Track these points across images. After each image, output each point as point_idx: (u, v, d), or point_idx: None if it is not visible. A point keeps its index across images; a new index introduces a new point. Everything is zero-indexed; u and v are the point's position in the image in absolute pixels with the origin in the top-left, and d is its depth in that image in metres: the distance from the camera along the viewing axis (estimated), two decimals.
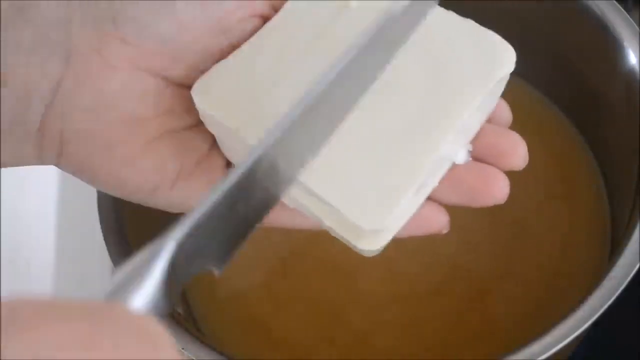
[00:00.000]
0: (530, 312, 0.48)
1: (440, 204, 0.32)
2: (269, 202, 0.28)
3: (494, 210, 0.50)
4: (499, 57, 0.31)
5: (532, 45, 0.52)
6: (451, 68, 0.31)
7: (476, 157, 0.32)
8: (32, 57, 0.30)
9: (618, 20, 0.46)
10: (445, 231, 0.32)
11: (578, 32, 0.48)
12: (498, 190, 0.31)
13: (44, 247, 0.56)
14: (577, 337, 0.39)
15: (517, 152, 0.32)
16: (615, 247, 0.45)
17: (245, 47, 0.32)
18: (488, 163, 0.32)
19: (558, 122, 0.53)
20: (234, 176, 0.26)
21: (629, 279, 0.39)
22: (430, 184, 0.31)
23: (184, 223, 0.25)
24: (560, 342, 0.38)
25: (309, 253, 0.51)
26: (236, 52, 0.32)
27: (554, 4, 0.49)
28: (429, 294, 0.49)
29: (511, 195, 0.50)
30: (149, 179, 0.32)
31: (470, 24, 0.32)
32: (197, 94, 0.31)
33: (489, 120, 0.33)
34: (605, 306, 0.39)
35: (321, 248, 0.51)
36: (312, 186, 0.30)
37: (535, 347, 0.38)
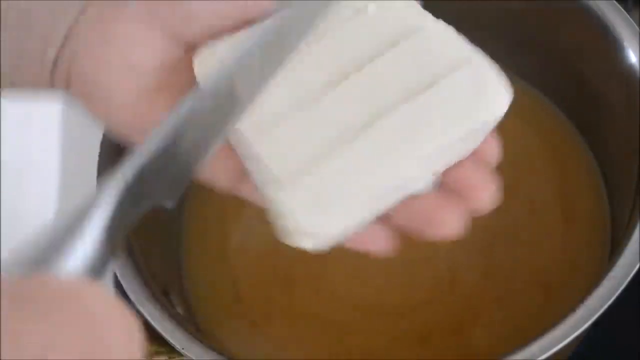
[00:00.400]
0: (530, 313, 0.48)
1: (391, 225, 0.31)
2: (211, 139, 0.29)
3: (494, 210, 0.50)
4: (491, 100, 0.30)
5: (533, 46, 0.52)
6: (438, 96, 0.30)
7: (445, 187, 0.31)
8: (55, 5, 0.32)
9: (618, 20, 0.46)
10: (387, 255, 0.31)
11: (578, 32, 0.48)
12: (448, 228, 0.30)
13: None
14: (577, 337, 0.39)
15: (485, 189, 0.30)
16: (615, 247, 0.45)
17: (256, 26, 0.32)
18: (455, 196, 0.30)
19: (558, 122, 0.53)
20: (173, 117, 0.27)
21: (629, 279, 0.39)
22: (385, 205, 0.30)
23: (130, 163, 0.25)
24: (560, 342, 0.38)
25: (309, 253, 0.51)
26: (246, 30, 0.32)
27: (554, 4, 0.49)
28: (429, 294, 0.49)
29: (511, 196, 0.50)
30: (143, 123, 0.32)
31: (476, 55, 0.31)
32: (198, 60, 0.32)
33: (474, 154, 0.31)
34: (605, 306, 0.39)
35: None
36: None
37: (535, 347, 0.38)
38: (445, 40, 0.31)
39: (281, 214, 0.30)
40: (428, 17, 0.32)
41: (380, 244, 0.31)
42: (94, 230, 0.23)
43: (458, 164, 0.31)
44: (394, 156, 0.30)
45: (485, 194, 0.30)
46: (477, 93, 0.30)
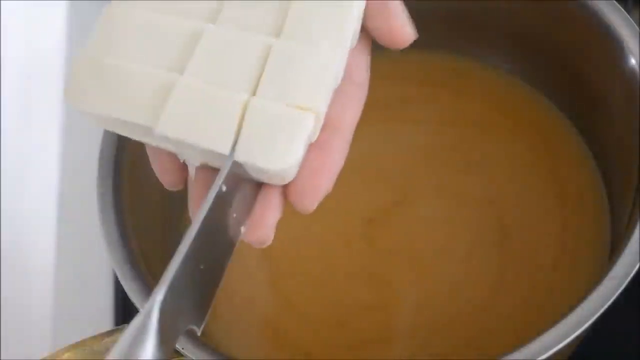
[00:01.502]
0: (531, 312, 0.48)
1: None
2: (225, 252, 0.30)
3: (493, 210, 0.50)
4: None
5: (532, 46, 0.52)
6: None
7: None
8: None
9: (618, 20, 0.46)
10: None
11: (578, 32, 0.48)
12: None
13: (44, 247, 0.56)
14: (577, 337, 0.39)
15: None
16: (615, 247, 0.45)
17: (95, 36, 0.33)
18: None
19: (558, 122, 0.53)
20: (190, 235, 0.28)
21: (629, 279, 0.39)
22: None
23: (160, 288, 0.27)
24: (560, 342, 0.38)
25: (309, 253, 0.51)
26: (90, 43, 0.33)
27: (554, 4, 0.49)
28: (429, 294, 0.49)
29: (510, 195, 0.51)
30: None
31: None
32: (73, 100, 0.32)
33: None
34: (605, 306, 0.39)
35: (322, 248, 0.51)
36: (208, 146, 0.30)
37: (535, 347, 0.38)
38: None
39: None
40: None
41: (165, 175, 0.33)
42: (149, 343, 0.26)
43: None
44: None
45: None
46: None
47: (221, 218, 0.30)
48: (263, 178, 0.31)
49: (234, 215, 0.30)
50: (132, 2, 0.33)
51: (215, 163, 0.32)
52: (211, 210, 0.29)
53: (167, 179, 0.33)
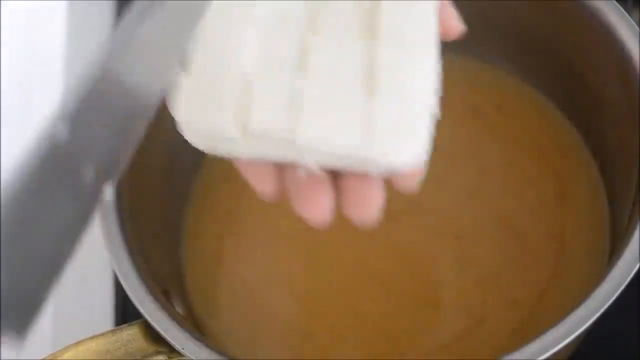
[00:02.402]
0: (530, 312, 0.48)
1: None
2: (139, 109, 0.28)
3: (493, 210, 0.50)
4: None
5: (533, 46, 0.52)
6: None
7: None
8: None
9: (618, 20, 0.46)
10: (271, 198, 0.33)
11: (578, 32, 0.48)
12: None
13: None
14: (577, 337, 0.39)
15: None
16: (615, 247, 0.45)
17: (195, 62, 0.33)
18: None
19: (558, 122, 0.53)
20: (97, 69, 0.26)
21: (629, 279, 0.39)
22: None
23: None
24: (560, 342, 0.38)
25: (309, 253, 0.51)
26: (190, 69, 0.32)
27: (554, 5, 0.49)
28: (427, 293, 0.49)
29: (510, 196, 0.51)
30: None
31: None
32: (188, 125, 0.32)
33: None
34: (605, 306, 0.39)
35: (322, 248, 0.51)
36: (328, 149, 0.31)
37: (535, 347, 0.38)
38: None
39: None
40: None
41: (265, 185, 0.33)
42: None
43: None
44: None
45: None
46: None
47: (134, 64, 0.27)
48: (375, 172, 0.32)
49: (151, 66, 0.28)
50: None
51: (336, 163, 0.32)
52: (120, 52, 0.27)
53: (266, 189, 0.33)
